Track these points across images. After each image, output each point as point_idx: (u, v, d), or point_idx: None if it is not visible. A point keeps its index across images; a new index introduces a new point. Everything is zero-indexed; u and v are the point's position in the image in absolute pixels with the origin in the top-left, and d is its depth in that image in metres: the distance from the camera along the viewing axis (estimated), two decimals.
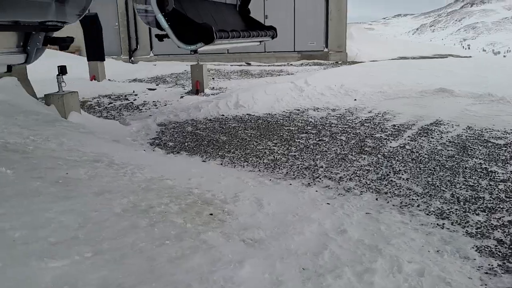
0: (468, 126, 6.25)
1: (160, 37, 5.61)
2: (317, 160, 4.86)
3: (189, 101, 8.73)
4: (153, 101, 8.88)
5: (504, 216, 3.41)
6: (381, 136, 5.85)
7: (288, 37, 14.93)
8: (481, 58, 16.11)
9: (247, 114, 7.50)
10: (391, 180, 4.20)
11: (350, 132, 6.08)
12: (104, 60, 10.78)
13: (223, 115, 7.48)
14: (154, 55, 14.82)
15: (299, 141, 5.69)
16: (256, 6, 14.94)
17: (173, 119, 7.19)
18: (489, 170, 4.44)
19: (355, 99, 8.51)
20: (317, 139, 5.76)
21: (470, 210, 3.52)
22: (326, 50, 14.88)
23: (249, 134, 6.18)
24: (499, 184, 4.06)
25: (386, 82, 9.53)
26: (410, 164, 4.68)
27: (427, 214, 3.45)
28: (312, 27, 14.76)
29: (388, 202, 3.67)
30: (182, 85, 10.61)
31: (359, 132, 6.06)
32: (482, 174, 4.34)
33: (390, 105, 7.91)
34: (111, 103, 8.76)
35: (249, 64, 14.59)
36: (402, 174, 4.37)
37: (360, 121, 6.74)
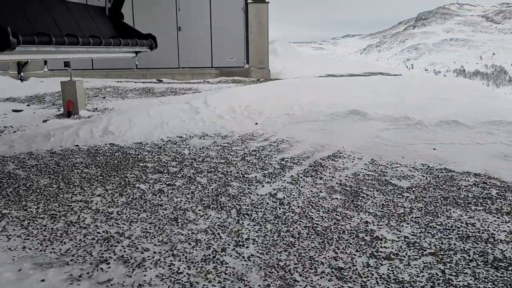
0: (372, 159, 4.96)
1: None
2: (134, 223, 3.28)
3: (51, 126, 6.97)
4: (5, 127, 7.05)
5: None
6: (255, 176, 4.39)
7: (204, 52, 13.39)
8: (412, 76, 15.36)
9: (111, 144, 5.88)
10: (223, 261, 2.70)
11: (220, 171, 4.59)
12: None
13: (77, 145, 5.81)
14: (49, 70, 12.85)
15: (139, 187, 4.12)
16: (167, 17, 13.49)
17: (1, 153, 5.43)
18: (375, 234, 3.06)
19: (256, 123, 7.12)
20: (168, 183, 4.22)
21: None
22: (247, 66, 13.48)
23: (84, 174, 4.55)
24: (381, 265, 2.66)
25: (299, 102, 8.26)
26: (268, 226, 3.21)
27: None
28: (231, 41, 13.32)
29: None
30: (59, 106, 8.81)
31: (231, 171, 4.58)
32: (363, 243, 2.94)
33: (293, 130, 6.56)
34: None
35: (160, 81, 12.94)
36: (247, 247, 2.88)
37: (245, 153, 5.30)
